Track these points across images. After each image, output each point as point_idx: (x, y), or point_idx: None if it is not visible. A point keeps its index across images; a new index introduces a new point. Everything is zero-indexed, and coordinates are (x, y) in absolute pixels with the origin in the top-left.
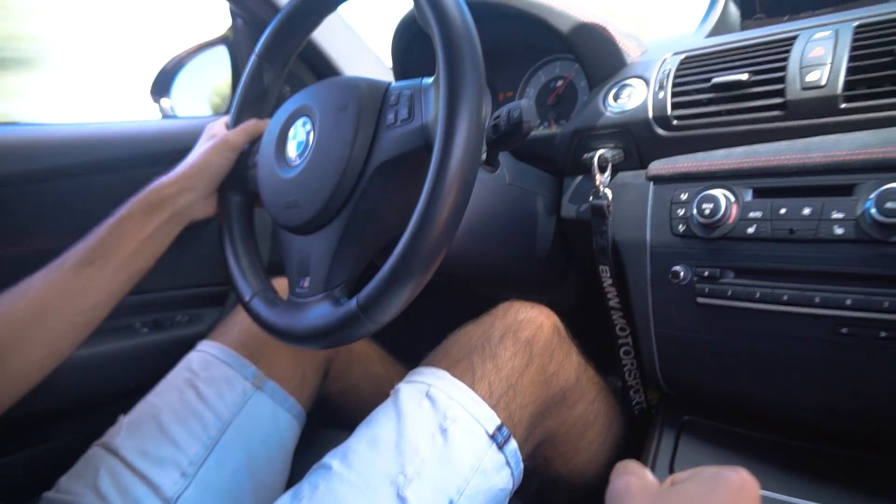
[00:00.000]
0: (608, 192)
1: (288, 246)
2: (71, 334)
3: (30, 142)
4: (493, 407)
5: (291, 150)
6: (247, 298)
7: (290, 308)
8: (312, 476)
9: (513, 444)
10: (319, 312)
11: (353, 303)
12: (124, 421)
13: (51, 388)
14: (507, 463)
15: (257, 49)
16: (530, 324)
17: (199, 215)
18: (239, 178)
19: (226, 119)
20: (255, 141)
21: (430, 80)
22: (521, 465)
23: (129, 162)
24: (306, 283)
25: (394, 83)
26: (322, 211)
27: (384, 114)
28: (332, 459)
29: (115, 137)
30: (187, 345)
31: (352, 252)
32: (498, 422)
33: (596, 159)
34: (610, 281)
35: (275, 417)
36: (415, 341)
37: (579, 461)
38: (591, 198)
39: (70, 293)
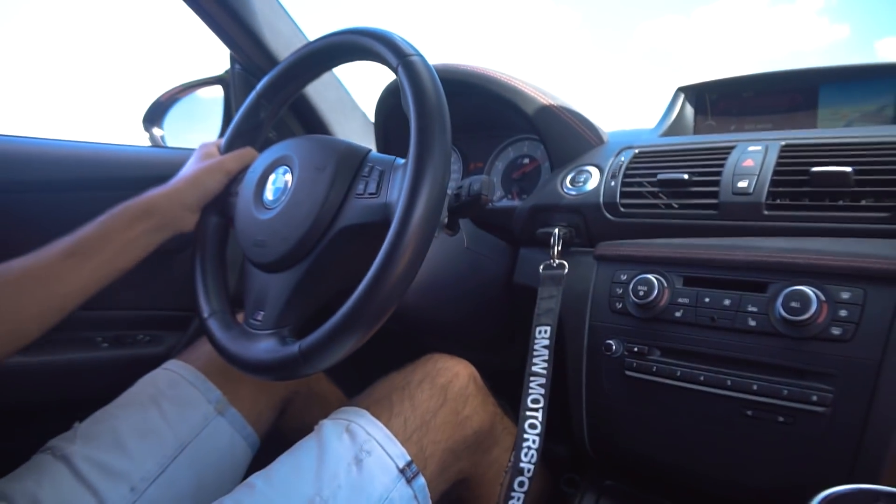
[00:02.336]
0: (565, 263)
1: (250, 277)
2: (39, 317)
3: (19, 154)
4: (406, 440)
5: (269, 193)
6: (205, 315)
7: (241, 335)
8: (236, 493)
9: (421, 481)
10: (265, 347)
11: (295, 347)
12: (79, 428)
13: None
14: (415, 497)
15: (259, 87)
16: (447, 371)
17: (184, 228)
18: (221, 202)
19: (219, 141)
20: (244, 169)
21: (402, 161)
22: (430, 502)
23: (115, 183)
24: (260, 317)
25: (373, 152)
26: (285, 257)
27: (356, 182)
28: (257, 479)
29: (104, 158)
30: (145, 364)
31: (305, 298)
32: (408, 458)
33: (556, 234)
34: (546, 342)
35: (231, 444)
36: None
37: None
38: (541, 268)
39: (47, 278)
